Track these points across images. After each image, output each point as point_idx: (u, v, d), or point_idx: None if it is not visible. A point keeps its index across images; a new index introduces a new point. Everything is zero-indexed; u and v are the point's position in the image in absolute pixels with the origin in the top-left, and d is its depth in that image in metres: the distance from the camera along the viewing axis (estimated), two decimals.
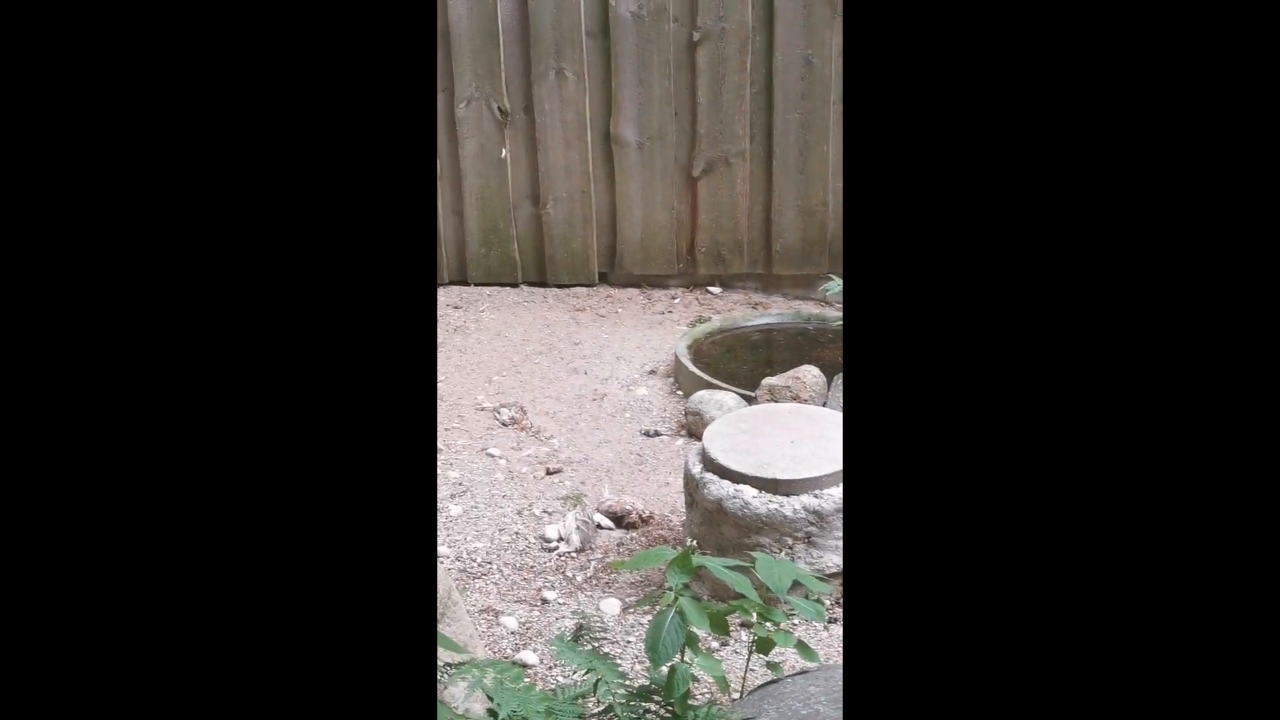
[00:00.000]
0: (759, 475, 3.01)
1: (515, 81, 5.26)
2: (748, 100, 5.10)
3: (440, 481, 3.74)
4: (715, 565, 2.26)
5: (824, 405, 3.96)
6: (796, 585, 2.41)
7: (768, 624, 2.37)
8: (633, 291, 5.49)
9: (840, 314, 4.60)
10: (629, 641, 2.89)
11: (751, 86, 5.08)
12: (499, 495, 3.68)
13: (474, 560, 3.30)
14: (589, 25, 5.11)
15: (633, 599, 3.09)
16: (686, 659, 2.18)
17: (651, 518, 3.50)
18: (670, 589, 2.17)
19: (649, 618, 2.95)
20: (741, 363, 4.64)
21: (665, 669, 2.15)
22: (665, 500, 3.62)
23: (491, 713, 1.93)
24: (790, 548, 3.00)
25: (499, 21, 5.17)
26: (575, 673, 2.61)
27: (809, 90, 5.03)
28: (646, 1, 5.05)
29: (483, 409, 4.33)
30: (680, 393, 4.40)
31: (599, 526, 3.46)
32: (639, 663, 2.76)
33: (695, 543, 2.65)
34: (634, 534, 3.44)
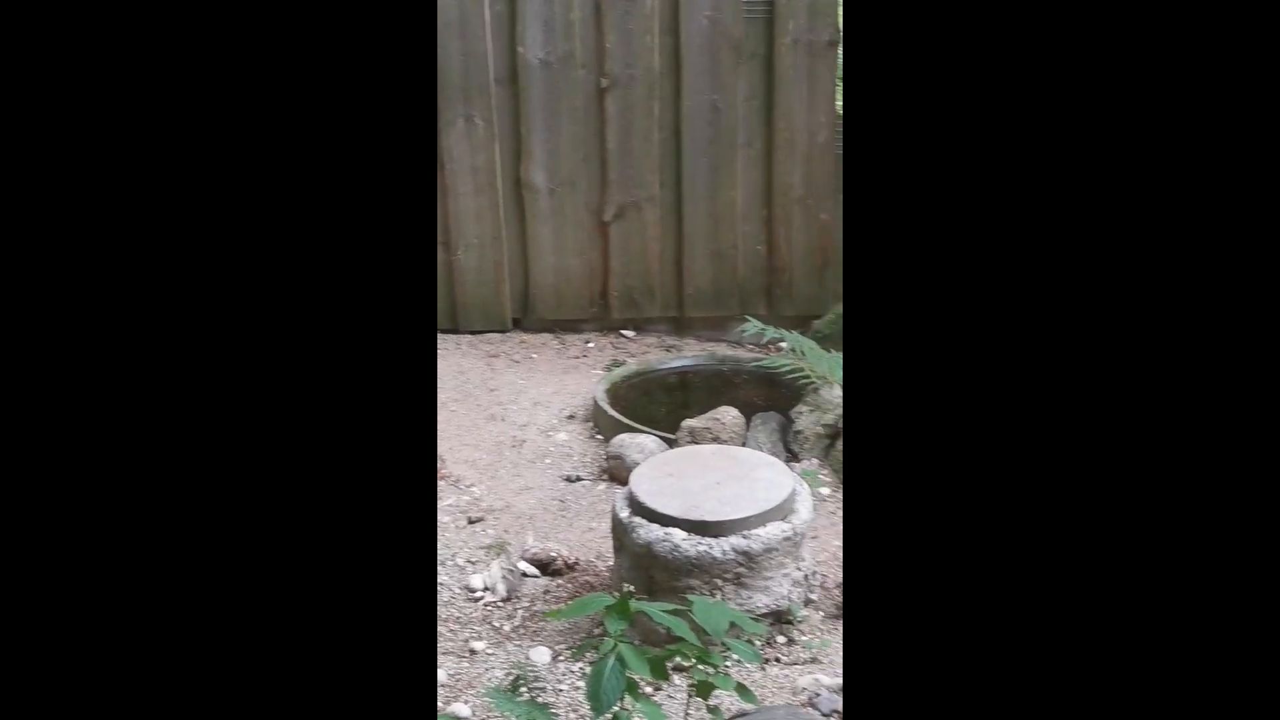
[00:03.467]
0: (687, 518, 3.01)
1: None
2: (656, 145, 5.15)
3: None
4: (654, 610, 2.25)
5: (743, 445, 3.99)
6: (731, 627, 2.41)
7: (705, 668, 2.37)
8: (547, 336, 5.48)
9: (754, 355, 4.66)
10: (561, 690, 2.86)
11: (660, 132, 5.13)
12: None
13: None
14: (497, 73, 5.12)
15: (562, 647, 3.06)
16: (627, 706, 2.16)
17: (577, 564, 3.48)
18: (609, 635, 2.15)
19: (580, 665, 2.93)
20: (659, 405, 4.66)
21: (607, 717, 2.13)
22: (590, 545, 3.60)
23: None
24: (720, 589, 3.01)
25: None
26: None
27: (716, 135, 5.10)
28: (554, 49, 5.08)
29: None
30: (600, 437, 4.39)
31: (524, 574, 3.43)
32: (574, 711, 2.73)
33: (630, 587, 2.63)
34: (560, 580, 3.41)
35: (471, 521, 3.78)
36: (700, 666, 2.35)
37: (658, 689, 2.85)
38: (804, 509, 3.22)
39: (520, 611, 3.24)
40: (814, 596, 3.30)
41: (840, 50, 4.91)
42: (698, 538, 2.99)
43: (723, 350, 5.16)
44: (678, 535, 2.99)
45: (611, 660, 2.11)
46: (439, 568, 3.47)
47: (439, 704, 2.81)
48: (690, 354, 5.13)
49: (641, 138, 5.15)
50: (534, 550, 3.50)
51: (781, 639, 3.07)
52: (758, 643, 3.00)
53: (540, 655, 3.01)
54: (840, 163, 4.95)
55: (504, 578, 3.35)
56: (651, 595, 2.99)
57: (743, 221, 5.16)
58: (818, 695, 2.54)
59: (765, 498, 3.11)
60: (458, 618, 3.21)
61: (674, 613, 2.25)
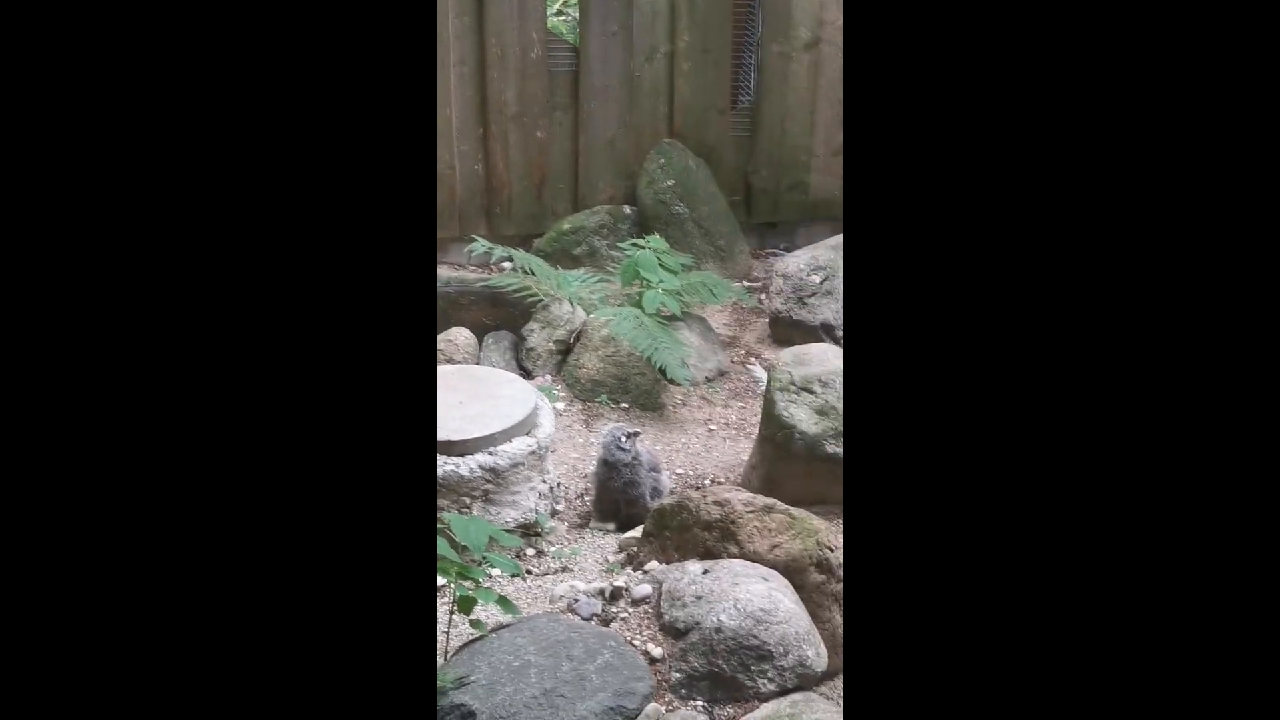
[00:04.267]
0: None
1: None
2: None
3: None
4: None
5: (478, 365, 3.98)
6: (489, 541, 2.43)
7: (466, 583, 2.38)
8: None
9: (479, 276, 4.63)
10: None
11: None
12: None
13: None
14: None
15: None
16: None
17: None
18: None
19: None
20: None
21: None
22: None
23: None
24: (468, 507, 3.01)
25: None
26: None
27: None
28: None
29: None
30: None
31: None
32: None
33: None
34: None
35: None
36: (462, 582, 2.36)
37: None
38: (546, 423, 3.26)
39: None
40: (559, 508, 3.37)
41: None
42: (444, 457, 2.98)
43: (446, 272, 5.09)
44: None
45: None
46: None
47: None
48: None
49: None
50: None
51: (531, 551, 3.11)
52: (510, 554, 3.03)
53: None
54: (552, 78, 4.95)
55: None
56: None
57: (458, 140, 5.08)
58: (576, 601, 2.60)
59: (509, 414, 3.13)
60: None
61: None
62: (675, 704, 2.34)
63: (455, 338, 4.07)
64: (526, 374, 4.11)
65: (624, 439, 3.19)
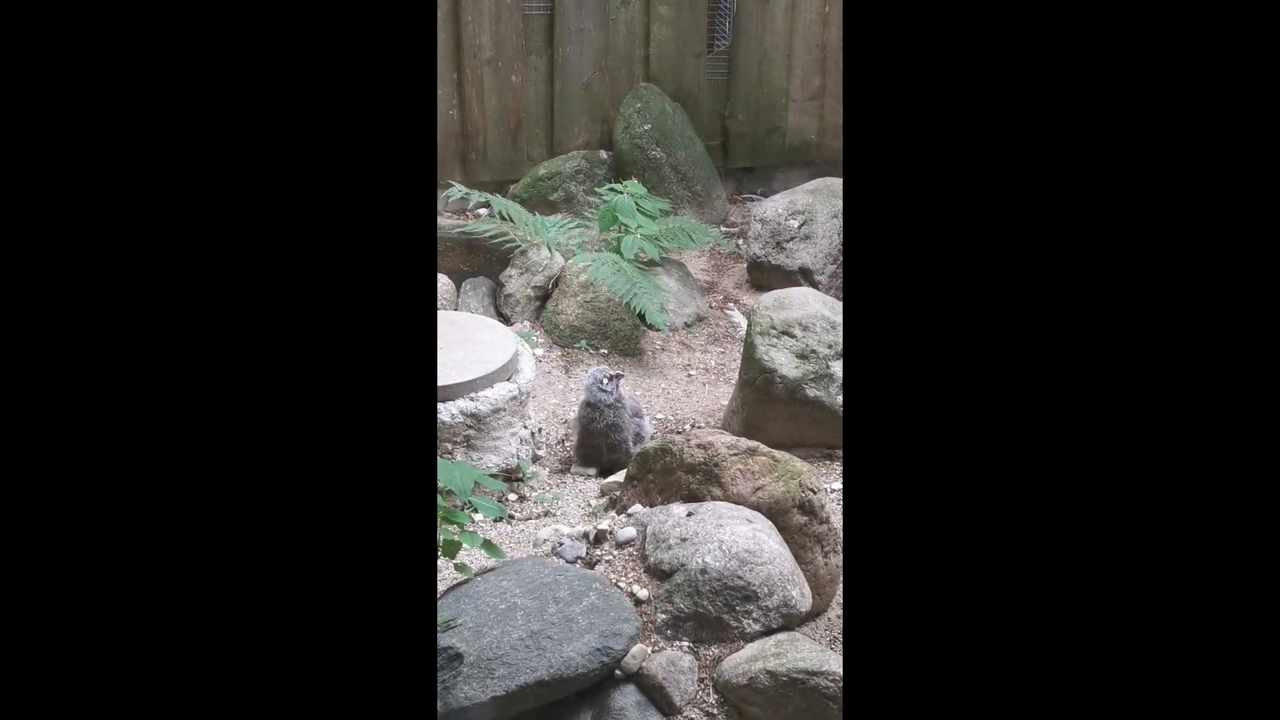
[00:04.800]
0: None
1: None
2: None
3: None
4: None
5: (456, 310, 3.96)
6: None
7: (451, 527, 2.38)
8: None
9: (455, 222, 4.59)
10: None
11: None
12: None
13: None
14: None
15: None
16: None
17: None
18: None
19: None
20: None
21: None
22: None
23: None
24: (450, 453, 3.01)
25: None
26: None
27: None
28: None
29: None
30: None
31: None
32: None
33: None
34: None
35: None
36: (447, 527, 2.36)
37: None
38: (527, 369, 3.25)
39: None
40: (541, 453, 3.37)
41: None
42: None
43: None
44: None
45: None
46: None
47: None
48: None
49: None
50: None
51: (514, 496, 3.12)
52: (497, 500, 3.04)
53: None
54: (527, 22, 4.89)
55: None
56: None
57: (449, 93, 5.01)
58: (561, 544, 2.61)
59: (490, 360, 3.12)
60: None
61: None
62: (661, 645, 2.35)
63: None
64: (505, 320, 4.09)
65: (606, 381, 3.19)
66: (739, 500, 2.56)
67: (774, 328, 3.28)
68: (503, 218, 4.28)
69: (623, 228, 4.20)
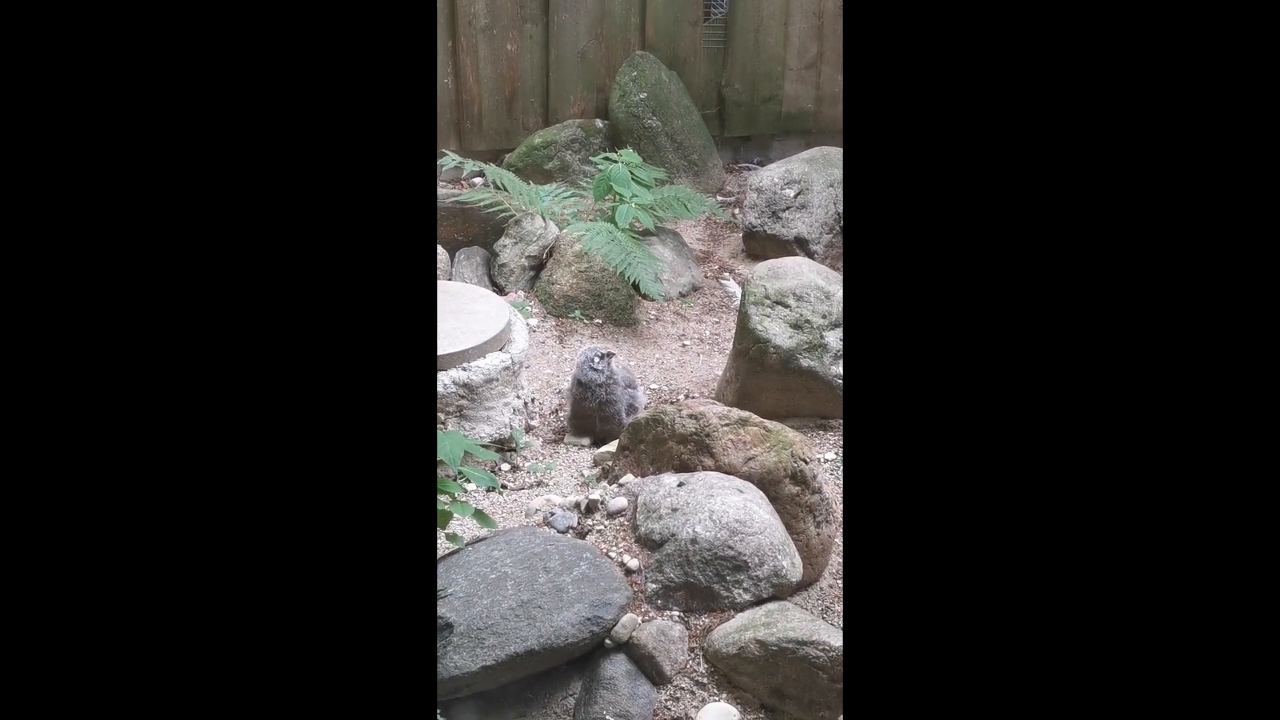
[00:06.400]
0: None
1: None
2: None
3: None
4: None
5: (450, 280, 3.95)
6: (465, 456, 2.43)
7: (442, 497, 2.38)
8: None
9: (450, 191, 4.57)
10: None
11: None
12: None
13: None
14: None
15: None
16: None
17: None
18: None
19: None
20: None
21: None
22: None
23: None
24: (443, 423, 3.01)
25: None
26: None
27: None
28: None
29: None
30: None
31: None
32: None
33: None
34: None
35: None
36: (439, 496, 2.36)
37: None
38: (520, 339, 3.25)
39: None
40: (534, 423, 3.37)
41: None
42: None
43: None
44: None
45: None
46: None
47: None
48: None
49: None
50: None
51: (506, 466, 3.12)
52: (488, 470, 3.04)
53: None
54: None
55: None
56: None
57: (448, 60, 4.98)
58: (553, 514, 2.61)
59: (482, 329, 3.11)
60: None
61: None
62: (651, 614, 2.36)
63: None
64: (499, 290, 4.08)
65: (597, 360, 3.19)
66: (730, 470, 2.56)
67: (768, 298, 3.28)
68: (497, 187, 4.26)
69: (618, 197, 4.19)
